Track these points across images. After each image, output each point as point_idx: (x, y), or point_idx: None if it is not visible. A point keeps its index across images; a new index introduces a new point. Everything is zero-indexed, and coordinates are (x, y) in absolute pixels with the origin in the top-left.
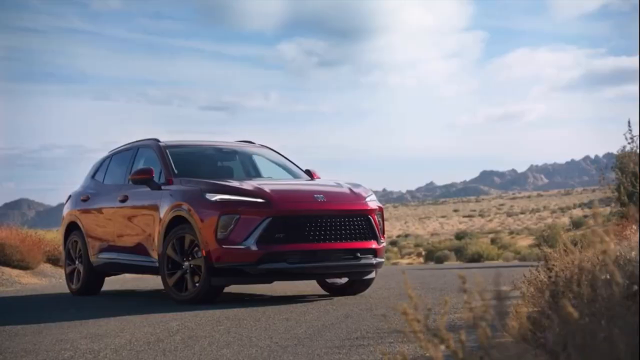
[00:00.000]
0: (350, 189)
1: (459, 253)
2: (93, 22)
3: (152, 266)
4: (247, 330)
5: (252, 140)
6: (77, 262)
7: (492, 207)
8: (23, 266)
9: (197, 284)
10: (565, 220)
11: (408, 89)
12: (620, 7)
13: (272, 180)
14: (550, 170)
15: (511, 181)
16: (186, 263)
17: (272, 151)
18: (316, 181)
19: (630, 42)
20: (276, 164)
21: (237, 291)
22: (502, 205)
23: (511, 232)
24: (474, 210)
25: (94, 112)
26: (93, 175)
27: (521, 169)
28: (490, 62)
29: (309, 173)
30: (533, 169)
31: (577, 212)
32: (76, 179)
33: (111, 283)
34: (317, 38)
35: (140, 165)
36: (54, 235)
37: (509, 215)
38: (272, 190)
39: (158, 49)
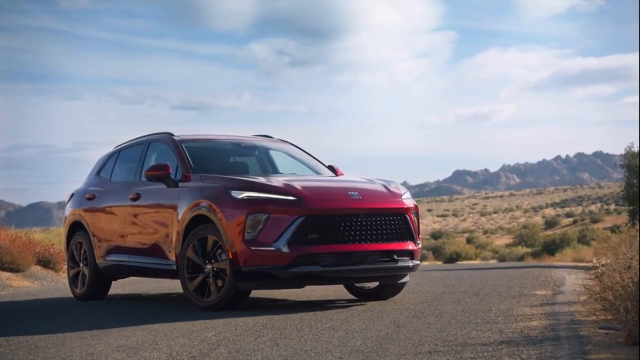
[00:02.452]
0: (385, 186)
1: (437, 252)
2: (62, 21)
3: (168, 269)
4: (296, 342)
5: (270, 135)
6: (81, 265)
7: (465, 207)
8: (13, 268)
9: (221, 289)
10: (538, 219)
11: (380, 89)
12: (586, 9)
13: (300, 177)
14: (522, 170)
15: (484, 181)
16: (208, 266)
17: (292, 146)
18: (346, 177)
19: (598, 43)
20: (297, 159)
21: (254, 296)
22: (475, 204)
23: (485, 232)
24: (448, 210)
25: (65, 111)
26: (98, 172)
27: (493, 168)
28: (460, 63)
29: (332, 169)
30: (505, 169)
31: (550, 212)
32: (47, 179)
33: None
34: (288, 38)
35: (151, 161)
36: (44, 236)
37: (483, 214)
38: (304, 187)
39: (129, 49)
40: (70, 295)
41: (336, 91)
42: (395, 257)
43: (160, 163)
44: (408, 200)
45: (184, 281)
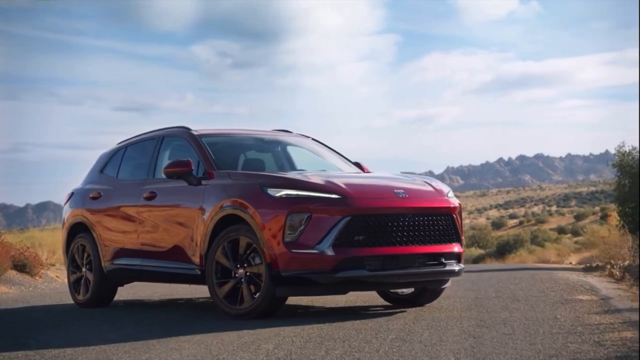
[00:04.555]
0: (428, 183)
1: None
2: None
3: (191, 274)
4: (372, 356)
5: (289, 129)
6: (84, 269)
7: None
8: None
9: (254, 295)
10: (483, 220)
11: (323, 91)
12: (525, 14)
13: (338, 173)
14: (465, 172)
15: None
16: (240, 270)
17: (313, 141)
18: (385, 174)
19: (537, 47)
20: (321, 155)
21: None
22: None
23: None
24: None
25: (2, 112)
26: (101, 170)
27: (438, 170)
28: (404, 65)
29: (358, 166)
30: (449, 171)
31: (494, 213)
32: None
33: None
34: (230, 40)
35: (165, 157)
36: (19, 239)
37: None
38: (347, 185)
39: (68, 48)
40: (66, 302)
41: (280, 93)
42: (443, 260)
43: (181, 159)
44: (453, 199)
45: (212, 287)
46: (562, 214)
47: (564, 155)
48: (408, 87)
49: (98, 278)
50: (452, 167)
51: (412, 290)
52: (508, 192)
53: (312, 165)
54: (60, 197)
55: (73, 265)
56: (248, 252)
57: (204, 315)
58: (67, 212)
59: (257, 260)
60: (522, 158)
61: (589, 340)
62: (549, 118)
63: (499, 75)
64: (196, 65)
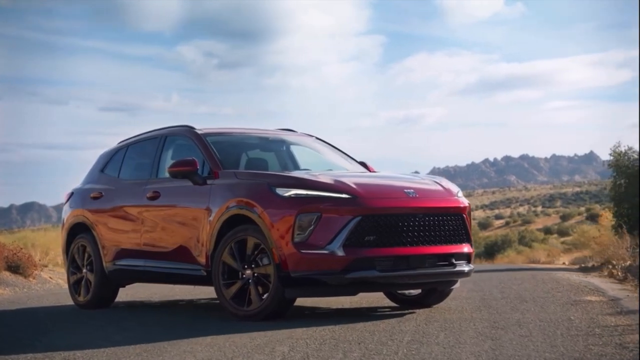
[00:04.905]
0: (438, 183)
1: None
2: None
3: (197, 275)
4: (391, 358)
5: (293, 129)
6: (85, 270)
7: None
8: None
9: (263, 297)
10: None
11: (310, 92)
12: (510, 15)
13: (347, 173)
14: (451, 173)
15: None
16: (248, 271)
17: (317, 140)
18: (393, 174)
19: (521, 48)
20: (325, 154)
21: None
22: None
23: None
24: None
25: None
26: (102, 169)
27: (424, 171)
28: (389, 66)
29: (364, 165)
30: (435, 172)
31: (480, 214)
32: None
33: None
34: (216, 40)
35: (168, 156)
36: (11, 240)
37: None
38: (357, 184)
39: (53, 48)
40: (64, 303)
41: (266, 94)
42: (453, 260)
43: (186, 158)
44: (463, 199)
45: (219, 288)
46: (548, 215)
47: (549, 156)
48: (394, 88)
49: (99, 279)
50: (438, 168)
51: (419, 291)
52: (494, 192)
53: (318, 165)
54: (44, 197)
55: (73, 266)
56: (256, 252)
57: (209, 317)
58: (66, 213)
59: (265, 261)
60: (507, 159)
61: (610, 343)
62: (534, 119)
63: (484, 77)
64: (182, 66)
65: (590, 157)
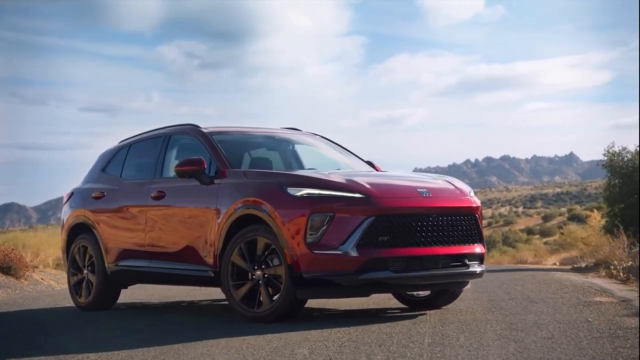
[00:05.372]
0: (450, 183)
1: None
2: None
3: (204, 276)
4: None
5: (298, 127)
6: (86, 271)
7: None
8: None
9: (273, 298)
10: None
11: (292, 92)
12: (490, 17)
13: (354, 172)
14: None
15: None
16: (258, 272)
17: (323, 139)
18: (405, 173)
19: (502, 50)
20: (333, 153)
21: None
22: None
23: None
24: None
25: None
26: (103, 169)
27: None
28: (371, 67)
29: (370, 164)
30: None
31: None
32: None
33: None
34: (197, 40)
35: (173, 155)
36: (2, 240)
37: None
38: (370, 184)
39: (32, 48)
40: (62, 304)
41: (248, 94)
42: (467, 261)
43: (193, 157)
44: (475, 199)
45: (228, 289)
46: (530, 215)
47: (529, 157)
48: (376, 89)
49: (101, 280)
50: (420, 169)
51: (428, 292)
52: (475, 193)
53: (324, 164)
54: (24, 198)
55: (74, 267)
56: (266, 253)
57: (216, 318)
58: (66, 213)
59: (276, 262)
60: (488, 160)
61: (636, 345)
62: (515, 120)
63: (465, 78)
64: (163, 66)
65: (570, 158)
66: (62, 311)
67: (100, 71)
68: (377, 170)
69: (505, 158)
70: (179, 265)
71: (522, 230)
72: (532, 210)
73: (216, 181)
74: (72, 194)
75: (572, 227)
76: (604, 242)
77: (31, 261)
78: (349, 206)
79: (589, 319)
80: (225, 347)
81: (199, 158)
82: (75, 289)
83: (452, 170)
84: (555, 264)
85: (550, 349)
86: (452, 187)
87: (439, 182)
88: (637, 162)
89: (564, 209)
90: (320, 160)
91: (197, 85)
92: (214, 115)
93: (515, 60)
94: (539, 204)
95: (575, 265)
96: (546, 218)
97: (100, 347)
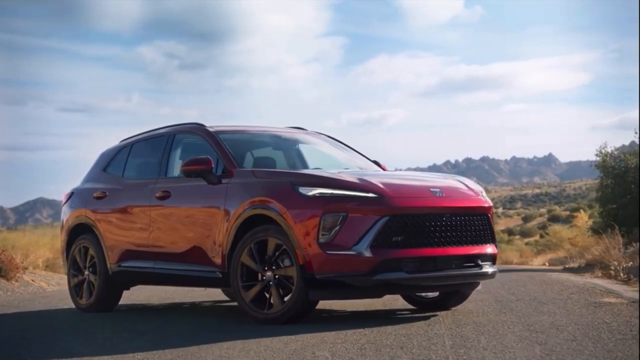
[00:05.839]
0: (463, 182)
1: None
2: None
3: (211, 277)
4: None
5: (303, 127)
6: (87, 272)
7: None
8: None
9: (284, 299)
10: None
11: (272, 93)
12: (469, 19)
13: (365, 171)
14: None
15: None
16: (268, 273)
17: (329, 138)
18: (418, 173)
19: (481, 51)
20: (340, 152)
21: None
22: None
23: None
24: None
25: None
26: (104, 168)
27: None
28: (351, 68)
29: (377, 164)
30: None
31: None
32: None
33: None
34: (177, 41)
35: (177, 155)
36: None
37: None
38: (383, 183)
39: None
40: (59, 306)
41: (228, 95)
42: (479, 262)
43: (201, 157)
44: (487, 199)
45: (238, 290)
46: (510, 216)
47: (509, 158)
48: (356, 90)
49: (103, 281)
50: (400, 169)
51: (437, 293)
52: None
53: (332, 163)
54: (1, 199)
55: (74, 268)
56: (277, 253)
57: (223, 320)
58: (66, 213)
59: (287, 262)
60: (468, 161)
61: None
62: (494, 121)
63: (444, 79)
64: (142, 67)
65: (549, 159)
66: (62, 313)
67: (79, 71)
68: (383, 169)
69: (484, 159)
70: (185, 266)
71: (503, 231)
72: (512, 211)
73: (224, 181)
74: (71, 194)
75: (557, 227)
76: (591, 242)
77: (21, 262)
78: (362, 206)
79: (606, 321)
80: (243, 349)
81: (206, 157)
82: (75, 290)
83: (433, 171)
84: (544, 264)
85: (577, 352)
86: (464, 186)
87: (451, 181)
88: (630, 162)
89: (543, 210)
90: (326, 160)
91: (178, 86)
92: (194, 115)
93: (494, 61)
94: (519, 204)
95: (567, 266)
96: (526, 219)
97: (113, 350)
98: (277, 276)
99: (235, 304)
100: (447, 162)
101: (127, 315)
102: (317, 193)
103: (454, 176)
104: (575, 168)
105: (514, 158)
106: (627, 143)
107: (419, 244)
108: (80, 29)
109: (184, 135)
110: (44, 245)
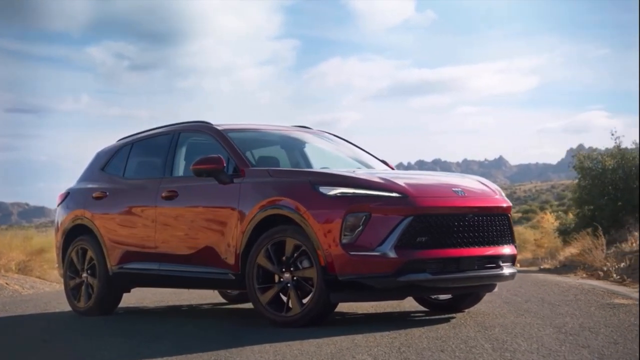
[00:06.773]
0: (482, 182)
1: None
2: None
3: (224, 279)
4: None
5: (308, 126)
6: (85, 275)
7: None
8: None
9: (303, 301)
10: None
11: (224, 95)
12: (420, 22)
13: (382, 170)
14: None
15: None
16: (287, 275)
17: (336, 137)
18: (437, 172)
19: (432, 54)
20: (349, 151)
21: None
22: None
23: None
24: None
25: None
26: (102, 168)
27: None
28: (304, 71)
29: (385, 164)
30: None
31: None
32: None
33: None
34: (126, 41)
35: (182, 154)
36: None
37: None
38: (407, 183)
39: None
40: (52, 310)
41: (180, 96)
42: (500, 262)
43: (212, 155)
44: (506, 199)
45: (254, 293)
46: None
47: (460, 161)
48: (309, 92)
49: (103, 283)
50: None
51: (449, 295)
52: None
53: (339, 163)
54: None
55: (71, 270)
56: (295, 255)
57: (235, 323)
58: (62, 214)
59: (306, 264)
60: (420, 163)
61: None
62: (446, 124)
63: (396, 82)
64: (92, 67)
65: (500, 162)
66: (58, 316)
67: (26, 72)
68: (391, 169)
69: (437, 162)
70: (194, 267)
71: None
72: None
73: (236, 180)
74: (67, 194)
75: (520, 228)
76: (559, 244)
77: (5, 264)
78: (386, 206)
79: (634, 322)
80: (274, 352)
81: (218, 156)
82: (73, 293)
83: None
84: (518, 265)
85: (628, 354)
86: (484, 186)
87: (471, 181)
88: (607, 163)
89: None
90: (334, 159)
91: (128, 87)
92: (145, 116)
93: (445, 64)
94: None
95: (542, 267)
96: None
97: (132, 356)
98: (295, 278)
99: (236, 306)
100: (400, 165)
101: (128, 318)
102: (339, 192)
103: (472, 176)
104: (524, 170)
105: (465, 160)
106: (574, 146)
107: (443, 244)
108: (29, 29)
109: (189, 134)
110: (17, 247)
